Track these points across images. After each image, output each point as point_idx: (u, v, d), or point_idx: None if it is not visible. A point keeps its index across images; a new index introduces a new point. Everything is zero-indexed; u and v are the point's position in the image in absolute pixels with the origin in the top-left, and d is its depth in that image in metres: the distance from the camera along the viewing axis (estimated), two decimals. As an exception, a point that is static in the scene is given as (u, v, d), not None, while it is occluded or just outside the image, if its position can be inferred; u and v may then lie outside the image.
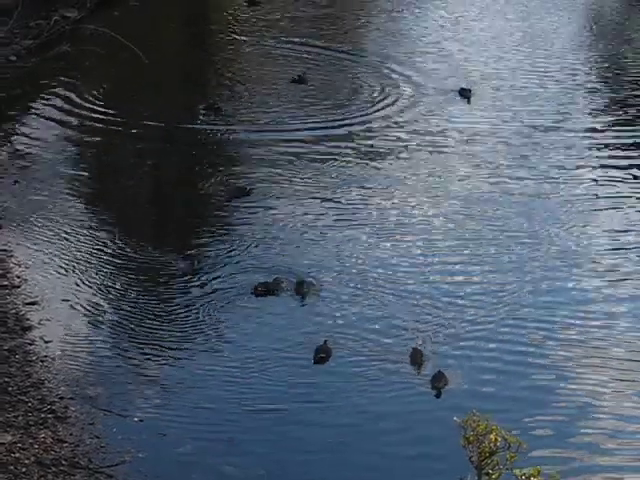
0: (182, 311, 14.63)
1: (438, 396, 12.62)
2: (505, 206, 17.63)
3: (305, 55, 25.68)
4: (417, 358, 13.12)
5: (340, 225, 16.97)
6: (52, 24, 24.99)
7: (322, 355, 13.40)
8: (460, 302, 14.68)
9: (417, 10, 30.28)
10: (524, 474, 9.30)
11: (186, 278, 15.39)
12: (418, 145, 20.29)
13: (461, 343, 13.74)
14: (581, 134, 20.99)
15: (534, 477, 9.28)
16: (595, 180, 18.78)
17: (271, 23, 28.90)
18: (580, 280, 15.41)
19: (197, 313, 14.55)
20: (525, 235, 16.66)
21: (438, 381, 12.68)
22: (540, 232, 16.72)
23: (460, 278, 15.38)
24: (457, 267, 15.72)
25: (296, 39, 26.88)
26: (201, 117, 21.58)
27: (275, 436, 12.07)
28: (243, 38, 27.65)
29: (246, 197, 17.99)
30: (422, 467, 11.64)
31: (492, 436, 10.35)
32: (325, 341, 13.57)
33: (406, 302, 14.67)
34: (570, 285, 15.29)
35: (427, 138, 20.63)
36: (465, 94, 22.33)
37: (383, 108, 22.10)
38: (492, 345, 13.74)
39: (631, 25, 29.89)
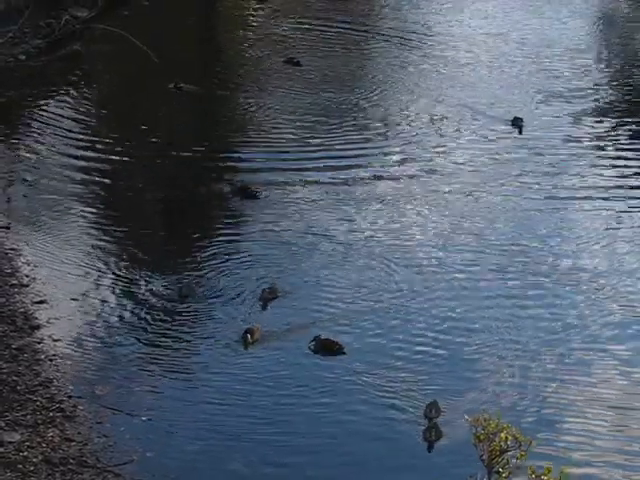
0: (190, 311, 14.58)
1: (430, 449, 11.92)
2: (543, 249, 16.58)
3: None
4: (430, 411, 12.29)
5: (352, 244, 16.42)
6: (62, 23, 24.96)
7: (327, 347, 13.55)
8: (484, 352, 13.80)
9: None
10: (534, 472, 9.23)
11: (193, 275, 15.38)
12: (439, 168, 19.51)
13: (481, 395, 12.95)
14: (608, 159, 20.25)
15: (544, 476, 9.20)
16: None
17: (282, 20, 28.90)
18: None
19: (204, 313, 14.50)
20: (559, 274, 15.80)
21: (430, 434, 11.99)
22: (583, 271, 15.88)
23: (488, 326, 14.36)
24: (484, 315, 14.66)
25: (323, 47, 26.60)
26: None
27: (281, 434, 12.03)
28: (254, 35, 27.67)
29: (253, 199, 17.91)
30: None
31: (502, 435, 10.28)
32: (315, 337, 13.57)
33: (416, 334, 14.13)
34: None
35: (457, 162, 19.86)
36: (517, 123, 21.15)
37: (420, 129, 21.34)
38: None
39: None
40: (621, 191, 18.88)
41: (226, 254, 16.17)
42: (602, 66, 25.83)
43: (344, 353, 13.54)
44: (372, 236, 16.75)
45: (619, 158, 20.33)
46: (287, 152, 20.04)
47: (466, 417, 10.93)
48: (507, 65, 25.39)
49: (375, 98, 22.98)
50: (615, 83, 24.65)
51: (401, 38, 27.24)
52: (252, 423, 12.20)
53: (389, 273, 15.60)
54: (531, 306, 14.90)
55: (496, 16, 30.04)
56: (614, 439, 12.23)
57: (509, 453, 10.31)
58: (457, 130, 21.30)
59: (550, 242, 16.77)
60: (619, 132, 21.66)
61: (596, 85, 24.26)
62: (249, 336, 13.61)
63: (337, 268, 15.73)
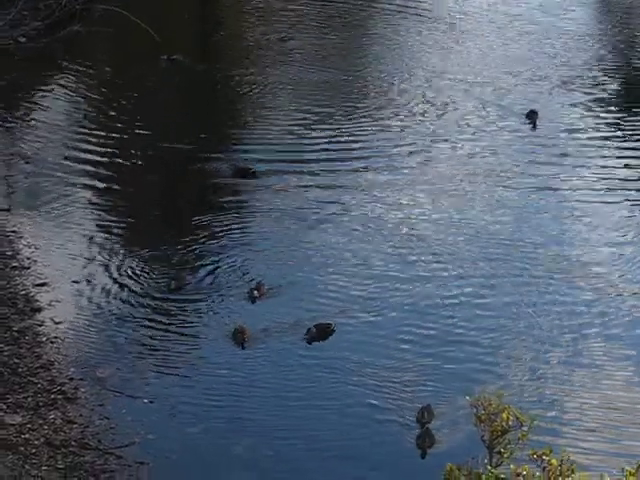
0: (191, 293, 14.58)
1: (423, 457, 11.68)
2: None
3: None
4: (423, 415, 12.00)
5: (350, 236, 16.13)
6: (62, 5, 24.84)
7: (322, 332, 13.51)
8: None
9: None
10: (536, 453, 9.22)
11: (194, 254, 15.38)
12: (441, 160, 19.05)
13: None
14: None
15: (545, 456, 9.19)
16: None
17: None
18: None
19: (206, 297, 14.47)
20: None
21: (423, 440, 11.74)
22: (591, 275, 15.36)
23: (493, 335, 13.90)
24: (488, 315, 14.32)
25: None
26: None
27: (282, 418, 12.05)
28: (254, 13, 27.64)
29: (251, 179, 17.83)
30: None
31: (504, 415, 10.26)
32: (308, 329, 13.47)
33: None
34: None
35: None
36: (532, 117, 20.48)
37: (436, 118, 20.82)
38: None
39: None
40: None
41: (223, 238, 16.09)
42: (613, 54, 25.50)
43: (334, 330, 13.51)
44: (371, 225, 16.49)
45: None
46: (284, 132, 19.95)
47: (467, 398, 10.90)
48: (516, 52, 25.14)
49: (380, 79, 22.84)
50: (626, 71, 24.39)
51: (405, 18, 27.13)
52: (253, 407, 12.19)
53: (388, 266, 15.33)
54: (539, 302, 14.56)
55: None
56: (618, 430, 12.14)
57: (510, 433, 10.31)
58: (464, 118, 20.90)
59: (563, 237, 16.37)
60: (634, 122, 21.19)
61: (608, 74, 23.90)
62: (243, 335, 13.36)
63: (334, 260, 15.51)
